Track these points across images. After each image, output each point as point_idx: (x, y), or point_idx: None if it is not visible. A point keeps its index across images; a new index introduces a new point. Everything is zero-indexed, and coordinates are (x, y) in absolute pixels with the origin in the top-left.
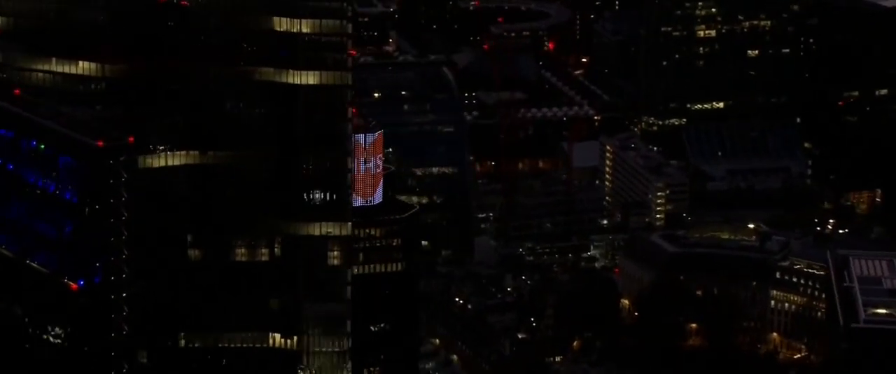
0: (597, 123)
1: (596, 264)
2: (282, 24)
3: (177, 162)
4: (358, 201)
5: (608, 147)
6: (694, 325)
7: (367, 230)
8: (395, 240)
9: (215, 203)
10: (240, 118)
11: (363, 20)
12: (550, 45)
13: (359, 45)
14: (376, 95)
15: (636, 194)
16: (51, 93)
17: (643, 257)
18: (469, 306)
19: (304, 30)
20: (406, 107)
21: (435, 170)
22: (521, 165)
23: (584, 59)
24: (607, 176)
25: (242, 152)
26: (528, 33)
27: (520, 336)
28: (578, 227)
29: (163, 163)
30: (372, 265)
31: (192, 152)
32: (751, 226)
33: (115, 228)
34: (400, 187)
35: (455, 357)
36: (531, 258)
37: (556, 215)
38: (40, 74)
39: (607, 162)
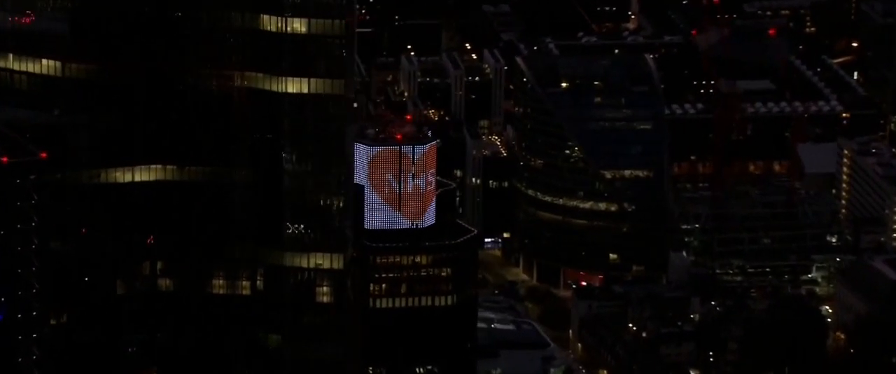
0: (845, 122)
1: (817, 290)
2: (269, 23)
3: (147, 177)
4: (405, 224)
5: (846, 151)
6: None
7: (413, 258)
8: (445, 269)
9: (190, 226)
10: (220, 129)
11: None
12: (771, 32)
13: (594, 22)
14: (564, 85)
15: (872, 209)
16: (6, 93)
17: (862, 285)
18: (643, 334)
19: (293, 30)
20: (597, 99)
21: (627, 173)
22: (753, 168)
23: (854, 44)
24: (844, 185)
25: (221, 168)
26: (787, 12)
27: (691, 373)
28: (800, 244)
29: (131, 178)
30: (417, 298)
31: (169, 167)
32: None
33: (24, 257)
34: (586, 193)
35: None
36: (740, 279)
37: (775, 230)
38: None
39: (844, 169)
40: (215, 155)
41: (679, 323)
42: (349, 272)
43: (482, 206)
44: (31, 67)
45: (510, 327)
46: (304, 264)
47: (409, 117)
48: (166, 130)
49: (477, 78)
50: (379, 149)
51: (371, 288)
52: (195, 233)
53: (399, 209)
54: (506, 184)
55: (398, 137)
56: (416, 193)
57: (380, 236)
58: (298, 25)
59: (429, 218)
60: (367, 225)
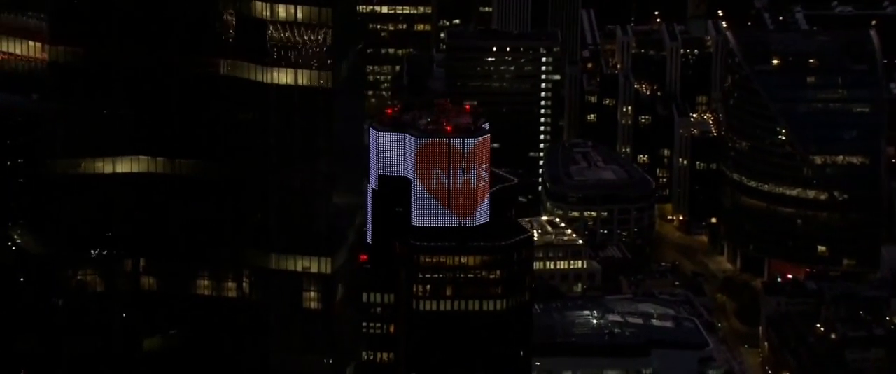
0: None
1: None
2: (256, 9)
3: (128, 169)
4: (453, 221)
5: None
6: None
7: (459, 259)
8: (494, 272)
9: (173, 222)
10: (204, 120)
11: None
12: None
13: None
14: (775, 62)
15: None
16: None
17: None
18: (832, 336)
19: (279, 17)
20: (810, 79)
21: (840, 159)
22: None
23: None
24: None
25: (205, 162)
26: None
27: None
28: None
29: (111, 169)
30: (464, 301)
31: (154, 159)
32: None
33: None
34: (794, 179)
35: None
36: None
37: None
38: None
39: None
40: (200, 147)
41: (872, 326)
42: (340, 277)
43: (689, 188)
44: (11, 48)
45: (668, 323)
46: (292, 267)
47: (468, 107)
48: (148, 119)
49: (696, 51)
50: (426, 141)
51: (415, 289)
52: (179, 229)
53: (448, 205)
54: (714, 166)
55: (448, 128)
56: (467, 188)
57: (427, 233)
58: (284, 12)
59: (481, 216)
60: (413, 221)
